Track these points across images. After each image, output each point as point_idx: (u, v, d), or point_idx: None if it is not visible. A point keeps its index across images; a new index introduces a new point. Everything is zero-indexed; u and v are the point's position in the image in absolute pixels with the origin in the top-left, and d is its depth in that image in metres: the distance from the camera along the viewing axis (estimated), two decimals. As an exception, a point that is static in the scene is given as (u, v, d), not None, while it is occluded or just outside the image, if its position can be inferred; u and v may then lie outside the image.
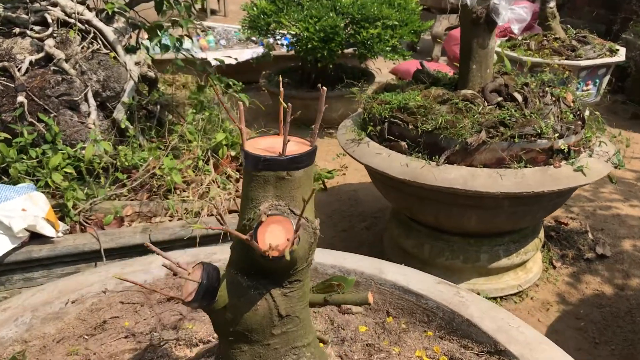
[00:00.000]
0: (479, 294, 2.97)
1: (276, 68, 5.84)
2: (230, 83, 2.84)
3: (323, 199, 4.16)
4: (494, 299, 3.09)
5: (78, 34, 2.46)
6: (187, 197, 2.24)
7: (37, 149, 2.25)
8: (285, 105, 0.91)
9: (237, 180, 2.53)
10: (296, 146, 0.95)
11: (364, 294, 1.58)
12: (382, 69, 5.93)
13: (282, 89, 0.97)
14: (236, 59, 5.65)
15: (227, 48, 6.55)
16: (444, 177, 2.65)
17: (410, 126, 2.85)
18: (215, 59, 3.01)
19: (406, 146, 2.87)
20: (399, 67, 6.15)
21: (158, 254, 0.92)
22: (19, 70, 2.31)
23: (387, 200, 3.34)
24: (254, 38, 5.67)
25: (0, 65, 2.32)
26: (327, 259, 1.76)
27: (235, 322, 0.97)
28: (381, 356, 1.39)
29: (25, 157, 2.23)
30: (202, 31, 7.19)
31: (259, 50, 6.00)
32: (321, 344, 1.41)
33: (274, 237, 0.87)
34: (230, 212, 2.28)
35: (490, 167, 2.68)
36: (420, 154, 2.78)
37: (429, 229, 3.14)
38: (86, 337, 1.57)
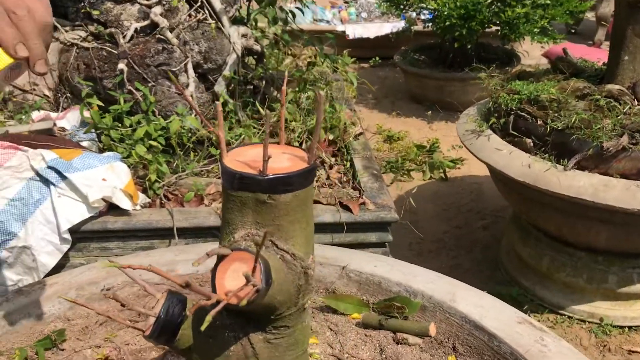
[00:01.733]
0: (602, 319, 2.56)
1: (415, 44, 5.52)
2: (340, 61, 2.64)
3: (441, 190, 3.86)
4: (621, 327, 2.65)
5: (185, 3, 2.40)
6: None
7: (133, 117, 2.23)
8: (266, 113, 0.71)
9: (331, 167, 2.36)
10: (290, 162, 0.75)
11: (425, 324, 1.34)
12: (530, 51, 5.38)
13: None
14: (368, 37, 5.42)
15: (367, 21, 6.33)
16: (571, 184, 2.28)
17: (539, 122, 2.48)
18: (328, 34, 2.82)
19: (531, 144, 2.51)
20: (552, 50, 5.54)
21: (125, 273, 0.77)
22: (123, 37, 2.30)
23: (506, 200, 2.99)
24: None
25: (108, 31, 2.33)
26: (394, 274, 1.54)
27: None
28: (426, 406, 1.16)
29: (120, 125, 2.23)
30: (345, 2, 7.05)
31: (399, 25, 5.72)
32: None
33: (236, 278, 0.68)
34: (315, 202, 2.11)
35: (629, 179, 2.25)
36: (546, 155, 2.42)
37: (550, 238, 2.76)
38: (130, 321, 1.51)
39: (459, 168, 4.12)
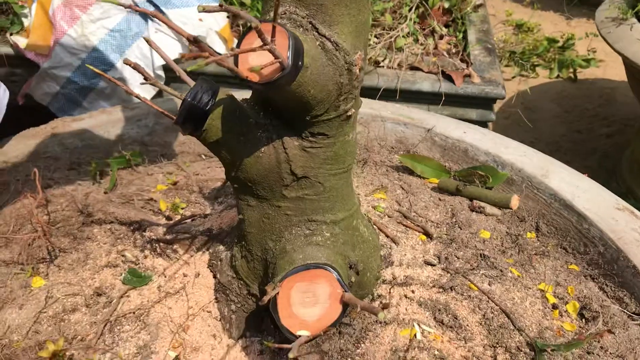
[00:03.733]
0: None
1: None
2: None
3: (567, 90, 3.51)
4: None
5: None
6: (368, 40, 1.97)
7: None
8: None
9: (441, 37, 2.16)
10: None
11: (508, 195, 1.21)
12: None
13: None
14: None
15: None
16: None
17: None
18: None
19: (681, 37, 2.15)
20: None
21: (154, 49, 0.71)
22: None
23: None
24: None
25: None
26: (485, 143, 1.39)
27: (235, 166, 0.75)
28: (489, 274, 1.05)
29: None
30: None
31: None
32: (423, 237, 1.12)
33: (261, 55, 0.59)
34: (412, 68, 1.96)
35: None
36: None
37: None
38: (203, 156, 1.51)
39: (597, 67, 3.70)
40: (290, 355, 0.60)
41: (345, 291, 0.68)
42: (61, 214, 1.20)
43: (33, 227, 1.07)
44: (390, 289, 1.01)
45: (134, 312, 0.98)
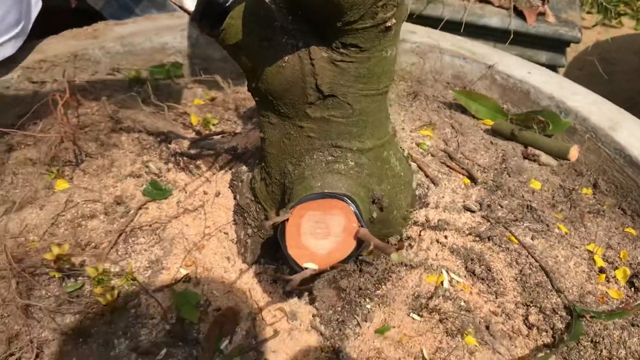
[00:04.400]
0: None
1: None
2: None
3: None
4: None
5: None
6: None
7: None
8: None
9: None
10: None
11: (566, 145, 1.10)
12: None
13: None
14: None
15: None
16: None
17: None
18: None
19: None
20: None
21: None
22: None
23: None
24: None
25: None
26: (550, 86, 1.26)
27: (255, 76, 0.67)
28: (534, 227, 0.96)
29: None
30: None
31: None
32: (467, 180, 1.03)
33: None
34: (482, 0, 1.80)
35: None
36: None
37: None
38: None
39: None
40: (288, 288, 0.54)
41: (362, 226, 0.61)
42: (91, 118, 1.16)
43: (60, 128, 1.03)
44: (421, 232, 0.93)
45: (150, 225, 0.94)
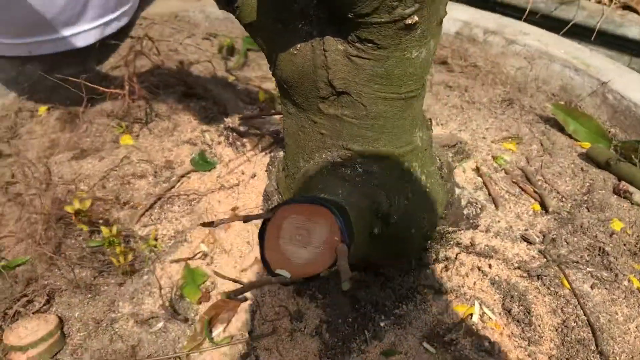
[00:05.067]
0: None
1: None
2: None
3: None
4: None
5: None
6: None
7: None
8: None
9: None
10: None
11: (670, 187, 0.94)
12: None
13: None
14: None
15: None
16: None
17: None
18: None
19: None
20: None
21: None
22: None
23: None
24: None
25: None
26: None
27: (271, 60, 0.62)
28: (598, 274, 0.83)
29: None
30: None
31: None
32: (537, 207, 0.92)
33: None
34: (625, 7, 1.58)
35: None
36: None
37: None
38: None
39: None
40: (240, 296, 0.50)
41: (344, 242, 0.55)
42: (168, 80, 1.18)
43: (130, 86, 1.06)
44: (458, 254, 0.84)
45: (187, 195, 0.94)
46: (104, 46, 1.28)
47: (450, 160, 0.83)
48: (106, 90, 1.01)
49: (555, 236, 0.89)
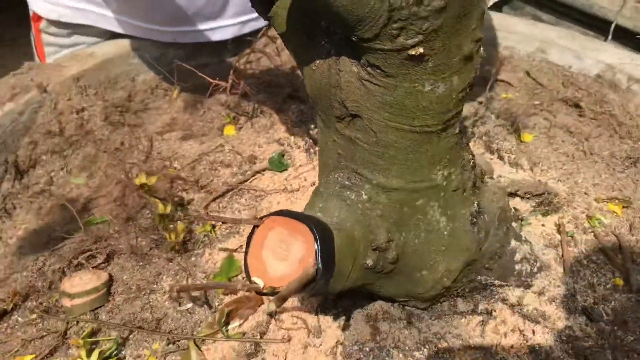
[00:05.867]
0: None
1: None
2: None
3: None
4: None
5: None
6: None
7: None
8: None
9: None
10: None
11: None
12: None
13: None
14: None
15: None
16: None
17: None
18: None
19: None
20: None
21: None
22: None
23: None
24: None
25: None
26: None
27: (301, 70, 0.63)
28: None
29: None
30: None
31: None
32: (620, 282, 0.83)
33: None
34: None
35: None
36: None
37: None
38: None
39: None
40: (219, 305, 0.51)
41: (317, 265, 0.54)
42: (278, 80, 1.23)
43: (234, 81, 1.12)
44: (501, 310, 0.78)
45: (255, 191, 0.98)
46: (240, 41, 1.37)
47: (507, 208, 0.76)
48: (212, 81, 1.09)
49: (629, 319, 0.78)
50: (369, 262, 0.59)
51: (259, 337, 0.77)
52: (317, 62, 0.57)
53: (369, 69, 0.54)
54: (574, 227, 0.91)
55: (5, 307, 0.83)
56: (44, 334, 0.80)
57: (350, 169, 0.61)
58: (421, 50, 0.49)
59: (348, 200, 0.60)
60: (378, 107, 0.56)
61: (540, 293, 0.80)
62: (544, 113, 1.17)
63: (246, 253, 0.59)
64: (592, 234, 0.90)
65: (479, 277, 0.77)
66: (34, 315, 0.82)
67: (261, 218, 0.58)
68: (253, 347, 0.77)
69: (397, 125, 0.56)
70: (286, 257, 0.57)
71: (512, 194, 0.92)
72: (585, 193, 0.98)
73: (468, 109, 1.18)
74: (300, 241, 0.56)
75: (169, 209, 0.87)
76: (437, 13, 0.48)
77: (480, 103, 1.21)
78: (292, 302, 0.81)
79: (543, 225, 0.91)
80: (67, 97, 1.21)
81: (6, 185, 1.09)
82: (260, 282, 0.57)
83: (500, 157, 1.03)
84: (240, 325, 0.79)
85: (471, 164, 0.66)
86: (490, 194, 0.74)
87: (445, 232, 0.64)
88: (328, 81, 0.57)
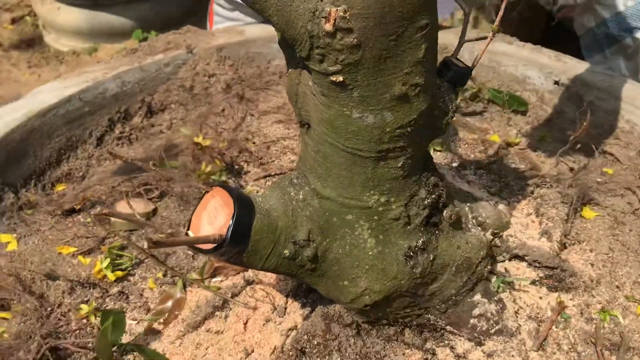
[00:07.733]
0: None
1: None
2: None
3: None
4: None
5: None
6: None
7: None
8: None
9: None
10: None
11: None
12: None
13: None
14: None
15: None
16: None
17: None
18: None
19: None
20: None
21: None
22: None
23: None
24: None
25: None
26: None
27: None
28: None
29: None
30: None
31: None
32: None
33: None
34: None
35: None
36: None
37: None
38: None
39: None
40: (146, 243, 0.61)
41: (223, 236, 0.63)
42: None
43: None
44: (446, 355, 0.79)
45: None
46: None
47: (477, 262, 0.77)
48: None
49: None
50: (286, 252, 0.66)
51: (230, 296, 0.88)
52: (290, 70, 0.66)
53: (315, 85, 0.61)
54: (577, 313, 0.86)
55: (74, 206, 1.05)
56: (89, 236, 1.00)
57: (301, 170, 0.69)
58: (341, 78, 0.56)
59: (287, 195, 0.68)
60: (319, 121, 0.63)
61: (489, 355, 0.79)
62: (630, 196, 1.08)
63: (193, 212, 0.70)
64: (594, 326, 0.85)
65: (428, 315, 0.79)
66: (89, 219, 1.02)
67: (211, 186, 0.69)
68: (221, 302, 0.88)
69: (332, 141, 0.63)
70: (213, 222, 0.67)
71: (519, 257, 0.90)
72: (617, 287, 0.92)
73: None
74: (226, 213, 0.66)
75: (208, 169, 1.01)
76: (352, 48, 0.54)
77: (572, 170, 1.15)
78: (271, 278, 0.90)
79: (540, 297, 0.88)
80: (206, 62, 1.42)
81: (137, 120, 1.33)
82: (191, 234, 0.69)
83: (540, 223, 0.99)
84: (221, 281, 0.91)
85: (427, 202, 0.69)
86: (460, 241, 0.76)
87: (371, 253, 0.68)
88: (294, 88, 0.66)
